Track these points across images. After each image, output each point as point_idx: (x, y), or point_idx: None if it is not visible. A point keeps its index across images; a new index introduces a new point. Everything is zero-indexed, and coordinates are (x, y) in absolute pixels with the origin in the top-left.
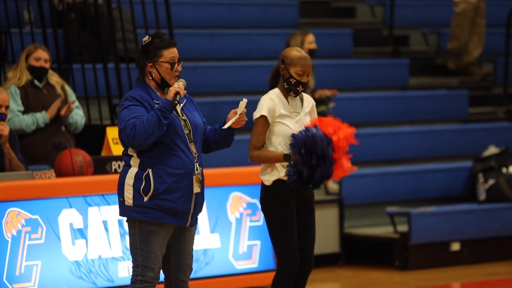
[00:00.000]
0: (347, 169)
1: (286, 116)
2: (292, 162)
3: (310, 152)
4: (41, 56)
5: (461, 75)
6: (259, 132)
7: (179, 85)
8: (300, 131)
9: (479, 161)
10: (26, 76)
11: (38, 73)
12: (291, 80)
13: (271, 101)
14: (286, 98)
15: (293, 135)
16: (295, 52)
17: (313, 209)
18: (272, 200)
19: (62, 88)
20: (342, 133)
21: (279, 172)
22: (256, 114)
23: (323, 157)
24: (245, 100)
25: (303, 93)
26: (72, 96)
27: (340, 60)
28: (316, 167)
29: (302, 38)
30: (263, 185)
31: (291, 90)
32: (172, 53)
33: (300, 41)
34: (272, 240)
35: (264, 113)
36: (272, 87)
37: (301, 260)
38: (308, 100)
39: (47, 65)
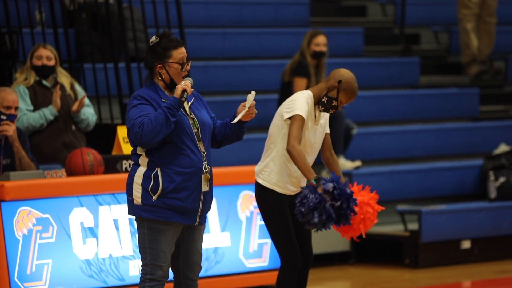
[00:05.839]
0: (357, 233)
1: (311, 125)
2: (312, 188)
3: (338, 195)
4: (42, 54)
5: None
6: (299, 126)
7: (186, 83)
8: (331, 180)
9: (490, 159)
10: (33, 76)
11: (41, 71)
12: (333, 101)
13: (307, 105)
14: (314, 106)
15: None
16: (355, 84)
17: None
18: (267, 200)
19: (72, 87)
20: (365, 212)
21: (281, 189)
22: (295, 111)
23: (346, 208)
24: (253, 93)
25: None
26: (82, 94)
27: (351, 59)
28: (335, 210)
29: (308, 39)
30: (258, 185)
31: (324, 106)
32: (181, 53)
33: (306, 41)
34: (272, 238)
35: (303, 114)
36: (286, 85)
37: (301, 253)
38: (326, 115)
39: (51, 63)
